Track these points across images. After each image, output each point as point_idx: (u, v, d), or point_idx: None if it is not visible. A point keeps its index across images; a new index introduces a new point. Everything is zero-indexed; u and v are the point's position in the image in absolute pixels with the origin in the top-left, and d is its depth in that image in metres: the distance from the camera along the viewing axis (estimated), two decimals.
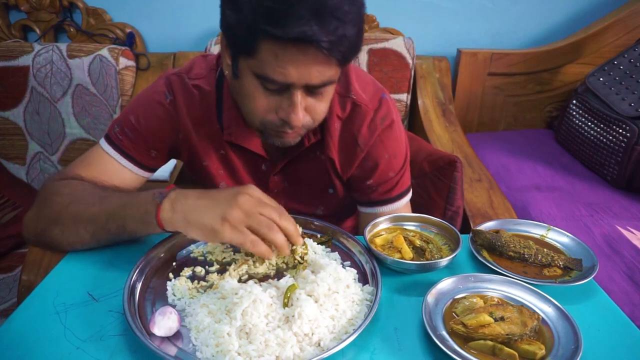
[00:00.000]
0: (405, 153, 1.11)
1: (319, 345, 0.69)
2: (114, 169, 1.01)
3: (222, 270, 0.86)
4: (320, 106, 0.88)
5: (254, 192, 0.80)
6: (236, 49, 0.82)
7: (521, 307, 0.75)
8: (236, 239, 0.77)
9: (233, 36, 0.81)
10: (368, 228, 0.93)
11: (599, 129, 1.86)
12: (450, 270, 0.88)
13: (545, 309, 0.77)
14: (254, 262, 0.86)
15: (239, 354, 0.66)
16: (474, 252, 0.90)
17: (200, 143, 1.04)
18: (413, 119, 2.09)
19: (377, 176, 1.07)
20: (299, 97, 0.82)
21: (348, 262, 0.89)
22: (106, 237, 0.88)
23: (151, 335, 0.70)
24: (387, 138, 1.04)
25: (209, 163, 1.07)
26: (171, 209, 0.80)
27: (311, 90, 0.83)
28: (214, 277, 0.85)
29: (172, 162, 1.72)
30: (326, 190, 1.12)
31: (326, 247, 0.92)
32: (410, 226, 0.98)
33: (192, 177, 1.14)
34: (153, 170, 1.07)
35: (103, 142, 1.02)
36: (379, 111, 1.02)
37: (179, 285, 0.81)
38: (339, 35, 0.74)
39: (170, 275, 0.85)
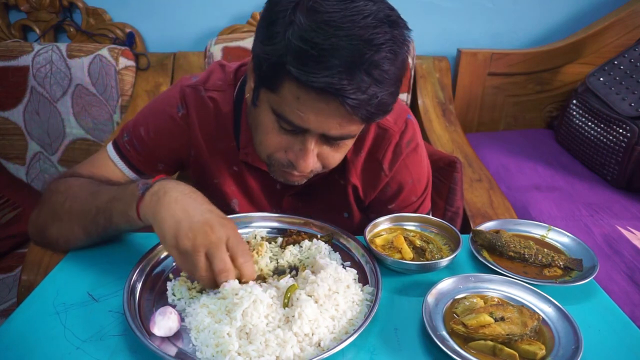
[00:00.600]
0: (428, 176, 1.08)
1: (319, 345, 0.69)
2: (119, 178, 0.99)
3: None
4: (335, 157, 0.85)
5: (218, 231, 0.73)
6: (260, 79, 0.80)
7: (521, 307, 0.75)
8: (178, 262, 0.76)
9: (260, 66, 0.77)
10: (368, 228, 0.93)
11: (599, 129, 1.86)
12: (451, 270, 0.88)
13: (545, 309, 0.77)
14: None
15: (239, 354, 0.66)
16: (474, 252, 0.90)
17: (212, 160, 1.01)
18: None
19: (399, 201, 1.05)
20: (313, 144, 0.80)
21: (348, 263, 0.89)
22: (96, 231, 0.87)
23: (151, 335, 0.70)
24: (412, 162, 1.02)
25: (220, 181, 1.04)
26: (149, 200, 0.77)
27: (328, 139, 0.80)
28: None
29: None
30: (341, 214, 1.09)
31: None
32: (411, 226, 0.98)
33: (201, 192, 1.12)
34: None
35: (110, 149, 1.00)
36: (405, 134, 0.99)
37: (179, 285, 0.81)
38: (369, 95, 0.70)
39: (170, 275, 0.85)
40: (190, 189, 0.80)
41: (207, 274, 0.74)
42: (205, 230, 0.72)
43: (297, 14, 0.69)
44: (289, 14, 0.70)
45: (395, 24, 0.72)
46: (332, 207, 1.06)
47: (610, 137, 1.80)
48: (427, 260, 0.88)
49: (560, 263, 0.88)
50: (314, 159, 0.82)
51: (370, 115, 0.74)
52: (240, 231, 0.97)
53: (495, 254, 0.92)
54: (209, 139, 1.00)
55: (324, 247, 0.90)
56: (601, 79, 1.91)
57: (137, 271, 0.82)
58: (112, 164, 0.99)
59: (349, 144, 0.86)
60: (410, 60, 1.96)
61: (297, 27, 0.69)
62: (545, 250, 0.91)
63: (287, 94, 0.74)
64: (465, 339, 0.71)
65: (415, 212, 1.07)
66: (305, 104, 0.73)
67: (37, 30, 2.03)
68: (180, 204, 0.75)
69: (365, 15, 0.69)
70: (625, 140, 1.73)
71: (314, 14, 0.68)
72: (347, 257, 0.90)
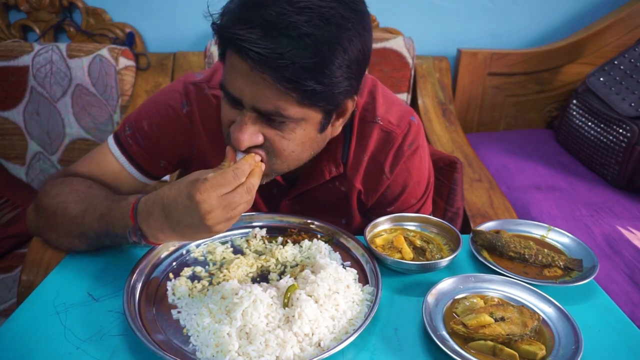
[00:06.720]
0: (428, 179, 1.07)
1: (319, 345, 0.69)
2: (118, 172, 0.98)
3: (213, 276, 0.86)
4: (282, 143, 0.80)
5: (207, 195, 0.70)
6: (219, 56, 0.81)
7: (521, 307, 0.75)
8: (230, 225, 0.75)
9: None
10: (368, 228, 0.93)
11: (599, 129, 1.86)
12: (451, 270, 0.88)
13: (545, 309, 0.77)
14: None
15: (239, 354, 0.66)
16: (475, 252, 0.90)
17: (214, 159, 0.99)
18: None
19: (399, 203, 1.04)
20: (248, 119, 0.77)
21: (348, 262, 0.89)
22: (101, 246, 0.88)
23: (151, 335, 0.70)
24: (412, 165, 1.01)
25: None
26: (154, 236, 0.78)
27: (265, 117, 0.77)
28: (219, 276, 0.85)
29: None
30: (339, 220, 1.07)
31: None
32: (411, 226, 0.98)
33: None
34: (158, 178, 1.04)
35: (111, 142, 0.99)
36: (407, 136, 0.97)
37: (178, 285, 0.81)
38: (277, 52, 0.67)
39: (170, 275, 0.85)
40: (159, 197, 0.77)
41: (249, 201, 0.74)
42: (211, 213, 0.71)
43: None
44: None
45: None
46: (331, 213, 1.05)
47: (610, 137, 1.80)
48: (427, 260, 0.88)
49: (561, 263, 0.88)
50: (250, 135, 0.77)
51: (284, 78, 0.70)
52: (240, 231, 0.98)
53: (496, 254, 0.92)
54: (212, 137, 0.99)
55: (324, 247, 0.90)
56: (601, 79, 1.91)
57: (137, 271, 0.82)
58: (113, 158, 0.98)
59: (298, 132, 0.80)
60: (410, 60, 1.96)
61: None
62: (546, 250, 0.91)
63: (227, 61, 0.77)
64: (465, 339, 0.71)
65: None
66: (235, 70, 0.74)
67: (37, 30, 2.03)
68: (171, 223, 0.74)
69: None
70: (626, 140, 1.73)
71: None
72: (347, 257, 0.90)
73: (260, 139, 0.79)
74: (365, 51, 0.77)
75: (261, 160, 0.81)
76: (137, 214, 0.78)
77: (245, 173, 0.73)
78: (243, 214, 0.98)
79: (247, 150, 0.79)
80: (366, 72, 0.87)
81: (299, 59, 0.68)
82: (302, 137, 0.81)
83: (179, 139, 0.99)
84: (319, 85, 0.72)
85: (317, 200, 1.03)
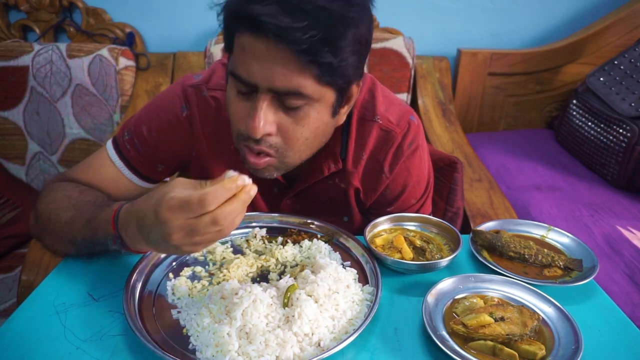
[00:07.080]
0: (428, 179, 1.07)
1: (319, 345, 0.69)
2: (116, 177, 0.98)
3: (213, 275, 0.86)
4: (296, 130, 0.80)
5: (174, 219, 0.65)
6: (225, 47, 0.81)
7: (521, 307, 0.75)
8: (200, 250, 0.71)
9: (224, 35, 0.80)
10: (368, 228, 0.93)
11: (599, 129, 1.86)
12: (451, 270, 0.88)
13: (545, 309, 0.77)
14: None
15: (239, 354, 0.66)
16: (474, 252, 0.90)
17: (213, 162, 1.00)
18: None
19: (399, 203, 1.04)
20: (263, 102, 0.77)
21: (348, 262, 0.89)
22: (93, 253, 0.86)
23: (151, 335, 0.70)
24: (412, 164, 1.00)
25: None
26: (134, 245, 0.75)
27: (280, 99, 0.77)
28: (219, 276, 0.85)
29: None
30: (341, 218, 1.07)
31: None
32: (411, 226, 0.98)
33: None
34: (157, 182, 1.04)
35: (110, 148, 0.99)
36: (407, 136, 0.97)
37: (178, 285, 0.81)
38: (294, 26, 0.69)
39: (170, 275, 0.85)
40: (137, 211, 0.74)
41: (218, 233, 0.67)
42: (177, 235, 0.66)
43: None
44: None
45: None
46: (332, 211, 1.05)
47: (611, 137, 1.80)
48: (427, 260, 0.88)
49: (560, 263, 0.88)
50: (266, 121, 0.77)
51: (302, 52, 0.71)
52: (240, 231, 0.98)
53: (496, 254, 0.92)
54: (211, 140, 0.99)
55: (324, 247, 0.90)
56: (601, 79, 1.91)
57: (137, 271, 0.82)
58: (110, 163, 0.98)
59: (311, 114, 0.80)
60: (410, 60, 1.96)
61: None
62: (546, 250, 0.91)
63: (236, 47, 0.77)
64: (465, 339, 0.71)
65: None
66: (249, 53, 0.74)
67: (37, 30, 2.03)
68: (143, 233, 0.71)
69: None
70: (626, 140, 1.73)
71: None
72: (347, 257, 0.90)
73: (274, 128, 0.80)
74: (370, 29, 0.79)
75: (272, 157, 0.82)
76: (118, 221, 0.76)
77: (214, 201, 0.63)
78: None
79: (259, 141, 0.80)
80: (365, 71, 0.87)
81: (315, 32, 0.70)
82: (316, 121, 0.82)
83: (179, 143, 0.99)
84: (335, 59, 0.73)
85: (318, 198, 1.03)
